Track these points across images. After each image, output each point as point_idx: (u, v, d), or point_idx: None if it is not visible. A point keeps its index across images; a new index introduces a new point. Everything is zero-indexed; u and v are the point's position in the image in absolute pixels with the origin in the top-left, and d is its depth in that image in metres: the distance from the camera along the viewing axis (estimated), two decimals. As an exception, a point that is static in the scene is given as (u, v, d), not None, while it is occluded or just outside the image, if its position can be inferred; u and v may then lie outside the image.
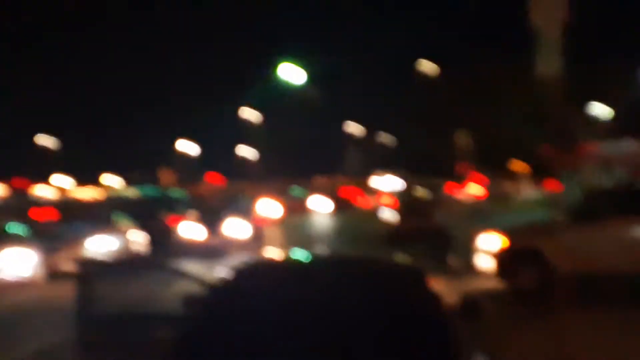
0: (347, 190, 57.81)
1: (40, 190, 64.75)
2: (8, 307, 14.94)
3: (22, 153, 60.04)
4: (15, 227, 19.39)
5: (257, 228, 26.52)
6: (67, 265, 18.66)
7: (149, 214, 27.16)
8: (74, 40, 65.14)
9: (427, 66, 40.76)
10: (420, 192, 29.51)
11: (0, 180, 64.77)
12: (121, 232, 22.75)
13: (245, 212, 27.29)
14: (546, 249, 12.75)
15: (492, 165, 35.26)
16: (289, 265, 5.52)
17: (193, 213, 29.76)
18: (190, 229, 25.31)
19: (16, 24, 50.85)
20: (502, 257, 13.00)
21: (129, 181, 67.34)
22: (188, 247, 23.95)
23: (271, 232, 33.95)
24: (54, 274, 18.47)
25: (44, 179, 66.23)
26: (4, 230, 18.79)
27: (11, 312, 14.38)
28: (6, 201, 49.54)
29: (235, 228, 24.81)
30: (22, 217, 22.16)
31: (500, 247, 13.14)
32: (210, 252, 22.62)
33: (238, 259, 6.84)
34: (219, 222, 25.68)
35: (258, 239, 24.85)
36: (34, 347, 10.79)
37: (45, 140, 64.51)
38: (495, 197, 36.10)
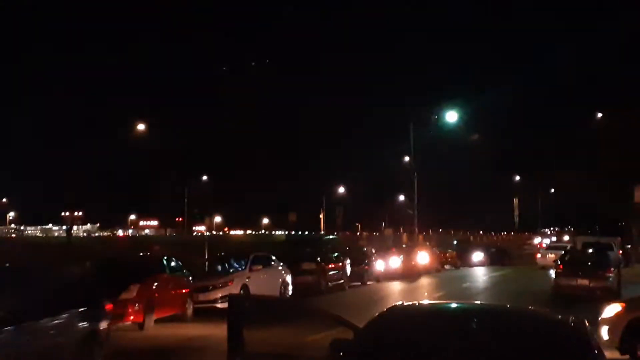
0: (507, 245, 55.69)
1: (199, 229, 67.59)
2: (161, 341, 15.02)
3: (184, 194, 63.15)
4: (172, 262, 19.75)
5: None
6: (219, 302, 18.84)
7: (302, 257, 27.20)
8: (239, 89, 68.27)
9: (598, 117, 38.44)
10: (590, 250, 27.56)
11: (161, 219, 68.54)
12: (277, 273, 22.76)
13: None
14: None
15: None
16: (436, 310, 5.48)
17: (344, 259, 29.68)
18: None
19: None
20: (617, 328, 11.27)
21: (284, 224, 68.60)
22: None
23: (424, 282, 33.20)
24: (202, 310, 18.60)
25: (201, 219, 69.00)
26: (162, 263, 19.12)
27: (164, 346, 14.43)
28: (166, 236, 51.91)
29: None
30: (178, 252, 22.73)
31: (614, 316, 11.56)
32: None
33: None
34: None
35: None
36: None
37: (205, 183, 67.34)
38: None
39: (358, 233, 57.12)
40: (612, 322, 11.51)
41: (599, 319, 11.65)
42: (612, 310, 11.85)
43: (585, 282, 23.34)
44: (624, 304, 12.08)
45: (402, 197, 65.63)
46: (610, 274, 23.94)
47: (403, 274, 35.07)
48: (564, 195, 49.34)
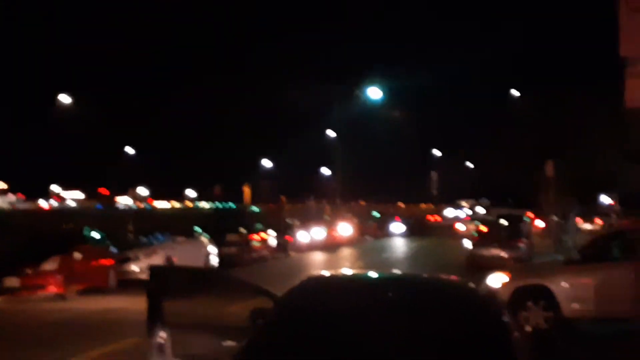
0: (429, 216, 57.03)
1: (122, 200, 66.56)
2: (82, 312, 15.05)
3: (108, 165, 61.97)
4: (93, 233, 19.66)
5: None
6: (141, 273, 18.93)
7: (226, 228, 27.40)
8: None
9: (512, 94, 39.80)
10: (503, 221, 28.70)
11: (85, 190, 67.17)
12: (200, 245, 22.97)
13: None
14: (553, 288, 11.75)
15: (581, 199, 34.03)
16: (354, 280, 5.55)
17: (268, 231, 29.99)
18: None
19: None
20: (503, 295, 11.64)
21: (209, 196, 68.25)
22: None
23: (345, 253, 33.91)
24: (126, 282, 18.66)
25: (126, 190, 68.02)
26: (83, 235, 19.05)
27: (85, 317, 14.49)
28: (87, 208, 51.03)
29: None
30: (101, 224, 22.58)
31: (500, 285, 12.11)
32: None
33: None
34: None
35: None
36: (107, 348, 10.92)
37: (129, 153, 66.33)
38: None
39: (282, 205, 57.38)
40: (498, 290, 11.97)
41: (483, 285, 12.07)
42: (497, 279, 12.44)
43: (498, 251, 24.28)
44: (509, 273, 12.72)
45: (326, 171, 66.35)
46: (522, 244, 25.01)
47: (325, 245, 35.70)
48: (481, 170, 51.01)
